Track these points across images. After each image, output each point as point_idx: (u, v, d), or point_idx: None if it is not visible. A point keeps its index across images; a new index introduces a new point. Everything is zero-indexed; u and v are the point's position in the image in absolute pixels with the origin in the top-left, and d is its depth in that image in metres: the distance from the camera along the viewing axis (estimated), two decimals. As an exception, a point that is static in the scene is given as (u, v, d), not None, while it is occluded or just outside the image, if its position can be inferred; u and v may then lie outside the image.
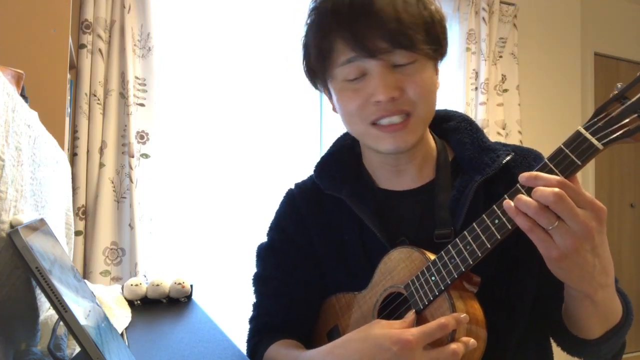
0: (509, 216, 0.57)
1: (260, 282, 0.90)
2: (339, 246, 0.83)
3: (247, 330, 0.89)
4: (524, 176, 0.57)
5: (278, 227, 0.91)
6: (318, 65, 0.77)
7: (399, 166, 0.82)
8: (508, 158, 0.77)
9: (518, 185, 0.59)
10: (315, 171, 0.90)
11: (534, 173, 0.56)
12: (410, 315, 0.66)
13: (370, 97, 0.72)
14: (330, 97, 0.82)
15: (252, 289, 0.91)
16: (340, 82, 0.75)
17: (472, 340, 0.60)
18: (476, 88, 2.88)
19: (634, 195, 3.70)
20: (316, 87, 0.85)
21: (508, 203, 0.57)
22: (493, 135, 2.88)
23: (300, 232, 0.87)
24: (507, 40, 3.02)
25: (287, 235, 0.89)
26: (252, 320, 0.89)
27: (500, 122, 2.93)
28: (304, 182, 0.93)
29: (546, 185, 0.54)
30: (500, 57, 2.99)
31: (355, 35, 0.70)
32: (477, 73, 2.88)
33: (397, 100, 0.71)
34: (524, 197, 0.56)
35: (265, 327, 0.86)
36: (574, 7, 3.35)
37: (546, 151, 0.83)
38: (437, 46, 0.74)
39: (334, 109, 0.83)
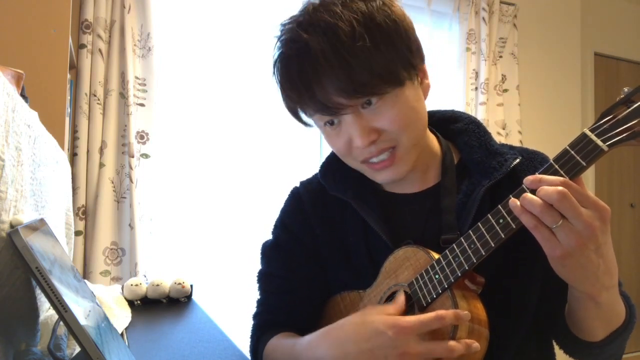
0: (514, 215, 0.57)
1: (264, 279, 0.90)
2: (343, 246, 0.83)
3: (251, 326, 0.89)
4: (528, 180, 0.57)
5: (283, 225, 0.91)
6: (295, 117, 0.78)
7: None
8: (516, 162, 0.76)
9: (523, 185, 0.59)
10: (320, 171, 0.90)
11: (538, 176, 0.57)
12: (400, 297, 0.67)
13: (351, 141, 0.72)
14: None
15: (257, 285, 0.91)
16: (322, 127, 0.76)
17: (475, 344, 0.60)
18: (476, 88, 2.88)
19: (634, 195, 3.70)
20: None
21: (514, 202, 0.57)
22: (493, 135, 2.85)
23: (305, 231, 0.87)
24: (507, 40, 3.02)
25: (292, 233, 0.89)
26: (256, 317, 0.89)
27: (500, 122, 2.93)
28: (309, 180, 0.93)
29: (550, 185, 0.55)
30: (500, 57, 2.99)
31: (315, 102, 0.69)
32: (477, 73, 2.88)
33: (377, 140, 0.71)
34: (529, 195, 0.56)
35: (268, 323, 0.86)
36: (574, 7, 3.35)
37: (546, 151, 0.83)
38: (406, 70, 0.70)
39: None
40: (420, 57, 0.74)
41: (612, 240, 0.58)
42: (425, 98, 0.78)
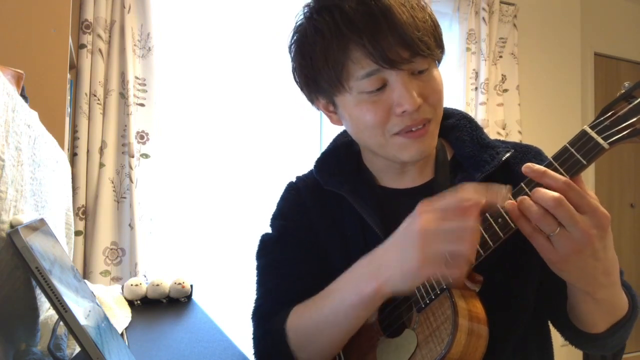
0: (511, 218, 0.57)
1: (266, 270, 0.87)
2: (342, 241, 0.83)
3: (252, 324, 0.85)
4: (530, 167, 0.56)
5: (282, 216, 0.89)
6: (325, 78, 0.72)
7: (405, 167, 0.82)
8: (507, 155, 0.77)
9: (522, 184, 0.58)
10: (315, 167, 0.89)
11: (543, 168, 0.55)
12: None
13: (394, 108, 0.70)
14: (330, 110, 0.80)
15: (256, 279, 0.87)
16: (357, 95, 0.72)
17: (506, 187, 0.59)
18: (476, 88, 2.88)
19: (634, 195, 3.69)
20: (312, 100, 0.82)
21: (511, 204, 0.57)
22: (493, 135, 2.88)
23: (305, 224, 0.86)
24: (507, 40, 3.02)
25: (293, 222, 0.87)
26: (256, 311, 0.85)
27: (500, 122, 2.93)
28: (305, 175, 0.92)
29: (552, 184, 0.54)
30: (500, 57, 2.99)
31: (378, 47, 0.67)
32: (477, 73, 2.88)
33: (420, 109, 0.71)
34: (527, 199, 0.55)
35: (272, 312, 0.81)
36: (574, 7, 3.35)
37: (546, 151, 0.83)
38: (442, 49, 0.75)
39: (335, 122, 0.81)
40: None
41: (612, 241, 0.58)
42: None
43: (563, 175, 0.56)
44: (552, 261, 0.56)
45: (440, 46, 0.74)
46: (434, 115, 0.73)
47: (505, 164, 0.76)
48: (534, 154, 0.80)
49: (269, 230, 0.91)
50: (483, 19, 2.88)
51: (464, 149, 0.80)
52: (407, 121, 0.70)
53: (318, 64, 0.72)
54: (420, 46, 0.68)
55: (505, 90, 3.00)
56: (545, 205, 0.53)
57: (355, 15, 0.68)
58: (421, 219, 0.59)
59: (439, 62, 0.77)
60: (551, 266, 0.57)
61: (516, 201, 0.57)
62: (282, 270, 0.85)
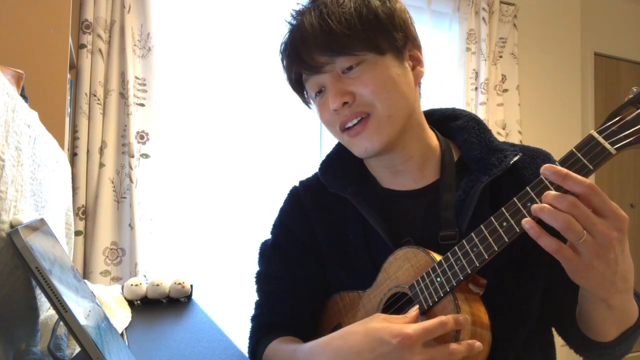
0: (519, 219, 0.55)
1: (263, 280, 0.89)
2: (342, 244, 0.83)
3: (249, 328, 0.89)
4: (551, 168, 0.54)
5: (282, 225, 0.91)
6: (298, 92, 0.85)
7: (395, 167, 0.82)
8: (516, 159, 0.76)
9: (527, 188, 0.57)
10: (320, 169, 0.90)
11: (565, 170, 0.53)
12: (414, 310, 0.64)
13: (330, 108, 0.76)
14: None
15: (255, 287, 0.90)
16: (314, 100, 0.82)
17: (477, 343, 0.59)
18: (476, 88, 2.88)
19: (634, 195, 3.69)
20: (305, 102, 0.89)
21: (529, 222, 0.54)
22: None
23: (305, 230, 0.87)
24: (507, 40, 3.02)
25: (291, 233, 0.88)
26: (255, 319, 0.89)
27: (500, 122, 2.93)
28: (308, 179, 0.93)
29: (575, 188, 0.52)
30: (500, 57, 2.99)
31: (298, 58, 0.76)
32: (477, 73, 2.88)
33: (351, 105, 0.74)
34: (548, 207, 0.53)
35: (267, 325, 0.86)
36: (574, 7, 3.35)
37: (548, 151, 0.83)
38: (387, 40, 0.74)
39: None
40: (412, 41, 0.78)
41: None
42: (416, 84, 0.80)
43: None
44: (576, 270, 0.54)
45: (383, 38, 0.73)
46: (372, 109, 0.74)
47: (512, 168, 0.76)
48: (542, 158, 0.79)
49: (270, 235, 0.93)
50: (483, 19, 2.88)
51: (471, 151, 0.80)
52: (341, 117, 0.76)
53: (287, 77, 0.84)
54: (333, 47, 0.72)
55: (505, 90, 3.00)
56: (561, 207, 0.52)
57: (289, 38, 0.78)
58: (405, 356, 0.57)
59: (400, 53, 0.76)
60: (573, 275, 0.56)
61: (531, 217, 0.55)
62: (274, 285, 0.88)
